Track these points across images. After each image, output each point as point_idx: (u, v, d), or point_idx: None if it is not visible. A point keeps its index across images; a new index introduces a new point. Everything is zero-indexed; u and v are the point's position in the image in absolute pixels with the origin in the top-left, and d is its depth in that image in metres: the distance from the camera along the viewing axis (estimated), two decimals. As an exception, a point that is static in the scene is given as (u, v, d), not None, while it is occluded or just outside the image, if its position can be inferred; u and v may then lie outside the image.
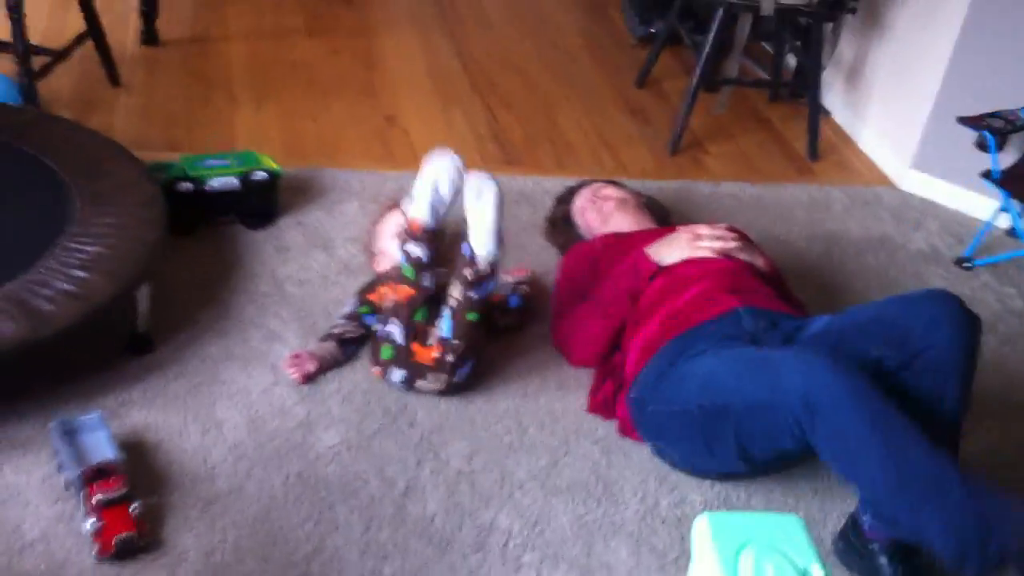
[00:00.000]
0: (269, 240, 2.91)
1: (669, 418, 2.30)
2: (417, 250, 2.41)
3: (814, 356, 2.06)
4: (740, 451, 2.20)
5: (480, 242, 2.39)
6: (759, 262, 2.64)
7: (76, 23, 3.56)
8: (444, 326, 2.40)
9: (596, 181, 3.04)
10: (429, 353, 2.40)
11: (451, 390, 2.45)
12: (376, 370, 2.47)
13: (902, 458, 1.93)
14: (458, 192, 2.46)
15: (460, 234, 2.44)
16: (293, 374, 2.45)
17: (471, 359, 2.43)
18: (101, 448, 2.10)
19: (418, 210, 2.43)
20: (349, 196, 3.16)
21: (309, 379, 2.46)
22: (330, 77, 3.88)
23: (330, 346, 2.52)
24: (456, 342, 2.39)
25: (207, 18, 4.12)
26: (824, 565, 1.29)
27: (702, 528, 1.30)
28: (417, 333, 2.41)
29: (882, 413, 1.96)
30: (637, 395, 2.38)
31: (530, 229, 3.13)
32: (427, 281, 2.42)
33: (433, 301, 2.42)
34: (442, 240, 2.49)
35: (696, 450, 2.29)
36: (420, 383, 2.42)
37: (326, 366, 2.50)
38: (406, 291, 2.41)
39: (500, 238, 2.41)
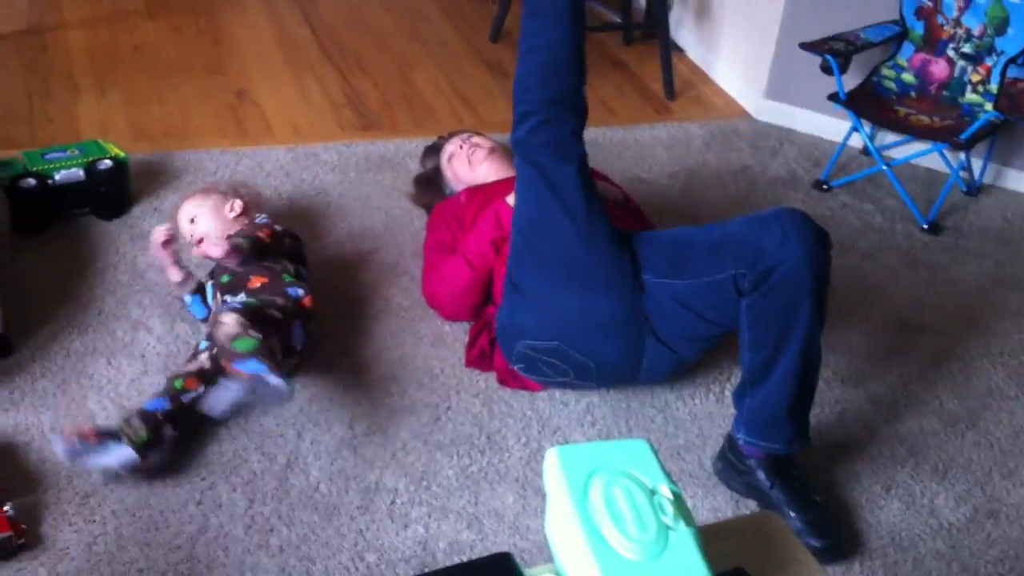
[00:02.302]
0: (124, 229, 2.84)
1: (503, 303, 2.40)
2: None
3: None
4: (540, 263, 2.28)
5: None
6: (615, 195, 2.67)
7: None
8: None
9: (467, 131, 3.03)
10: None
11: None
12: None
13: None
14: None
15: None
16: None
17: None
18: (-36, 455, 2.04)
19: None
20: (204, 176, 3.09)
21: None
22: (175, 57, 3.78)
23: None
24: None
25: (40, 8, 3.98)
26: (672, 483, 1.31)
27: (551, 461, 1.31)
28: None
29: None
30: (498, 322, 2.43)
31: (393, 194, 3.12)
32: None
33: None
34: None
35: (516, 304, 2.35)
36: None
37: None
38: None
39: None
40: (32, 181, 2.74)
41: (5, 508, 1.97)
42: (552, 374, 2.38)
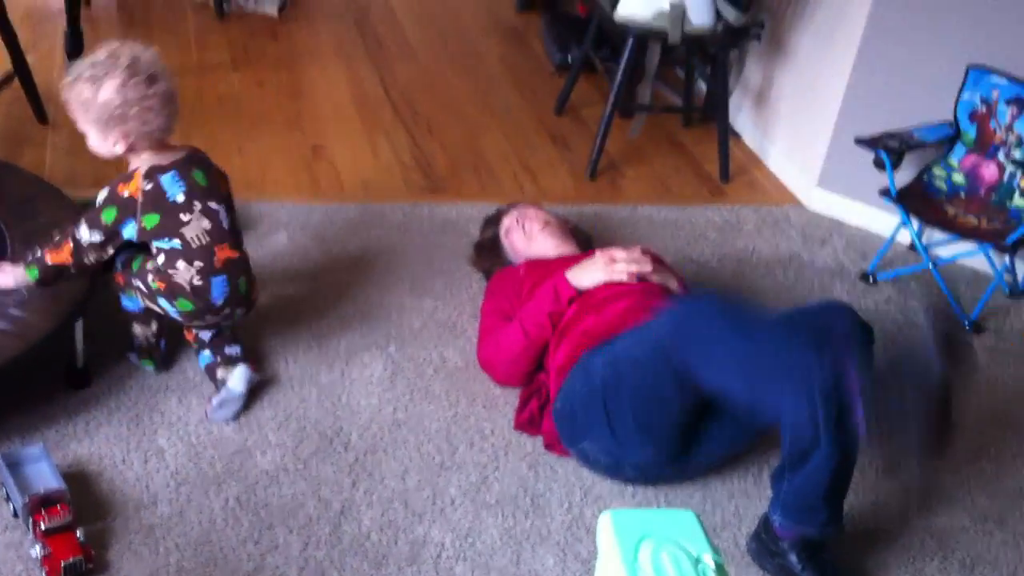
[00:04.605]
0: (201, 272, 2.99)
1: (579, 405, 2.46)
2: None
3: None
4: (636, 423, 2.37)
5: None
6: (672, 284, 2.78)
7: (0, 62, 3.62)
8: None
9: (523, 204, 3.17)
10: None
11: None
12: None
13: (758, 350, 2.20)
14: None
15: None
16: None
17: None
18: (45, 478, 2.18)
19: None
20: (277, 227, 3.25)
21: None
22: (256, 109, 3.97)
23: None
24: None
25: (132, 54, 4.18)
26: (716, 553, 1.43)
27: (605, 524, 1.44)
28: None
29: (742, 314, 2.24)
30: (560, 404, 2.52)
31: (454, 256, 3.25)
32: None
33: None
34: None
35: (603, 435, 2.43)
36: None
37: None
38: None
39: None
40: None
41: (76, 533, 2.10)
42: (603, 471, 2.52)
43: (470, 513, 2.38)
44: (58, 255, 2.43)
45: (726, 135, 3.96)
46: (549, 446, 2.59)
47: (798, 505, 2.28)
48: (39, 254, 2.45)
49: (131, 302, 2.57)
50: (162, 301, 2.47)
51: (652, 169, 3.99)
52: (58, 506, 2.11)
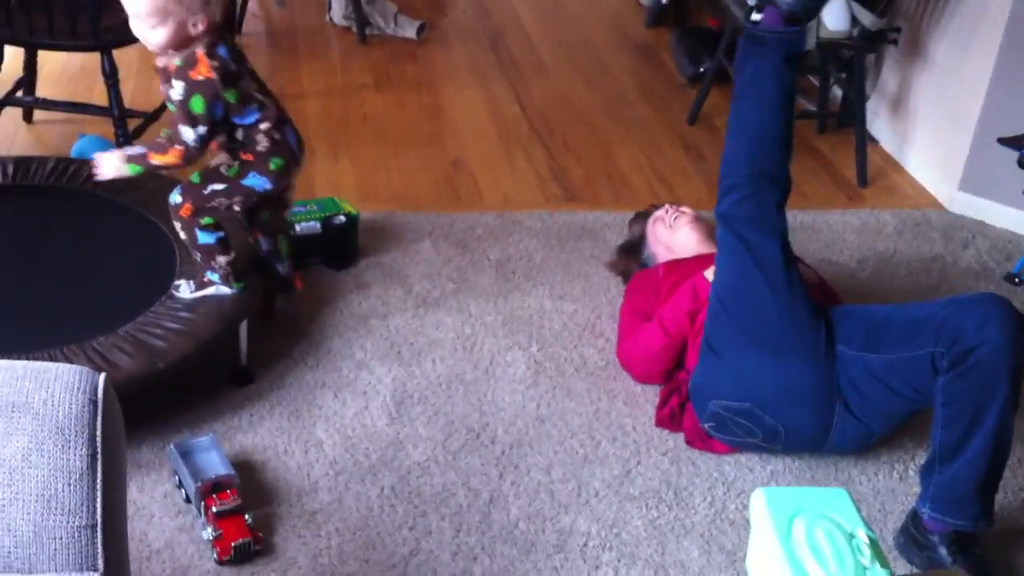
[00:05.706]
0: (351, 279, 3.13)
1: (697, 369, 2.54)
2: None
3: None
4: (736, 337, 2.44)
5: None
6: (811, 278, 2.80)
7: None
8: None
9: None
10: None
11: None
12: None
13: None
14: None
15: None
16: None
17: None
18: (215, 466, 2.32)
19: None
20: (421, 236, 3.38)
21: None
22: (399, 127, 4.12)
23: None
24: None
25: (282, 78, 4.39)
26: (869, 530, 1.45)
27: (758, 501, 1.48)
28: None
29: None
30: (692, 385, 2.58)
31: (592, 261, 3.32)
32: None
33: None
34: None
35: (719, 372, 2.49)
36: None
37: None
38: None
39: None
40: (275, 232, 3.06)
41: (245, 517, 2.23)
42: (741, 435, 2.51)
43: (614, 505, 2.43)
44: (163, 157, 2.46)
45: (864, 139, 3.94)
46: (690, 442, 2.63)
47: (950, 498, 2.27)
48: (142, 152, 2.50)
49: (206, 235, 2.59)
50: (250, 178, 2.54)
51: (787, 176, 3.99)
52: (228, 491, 2.24)
